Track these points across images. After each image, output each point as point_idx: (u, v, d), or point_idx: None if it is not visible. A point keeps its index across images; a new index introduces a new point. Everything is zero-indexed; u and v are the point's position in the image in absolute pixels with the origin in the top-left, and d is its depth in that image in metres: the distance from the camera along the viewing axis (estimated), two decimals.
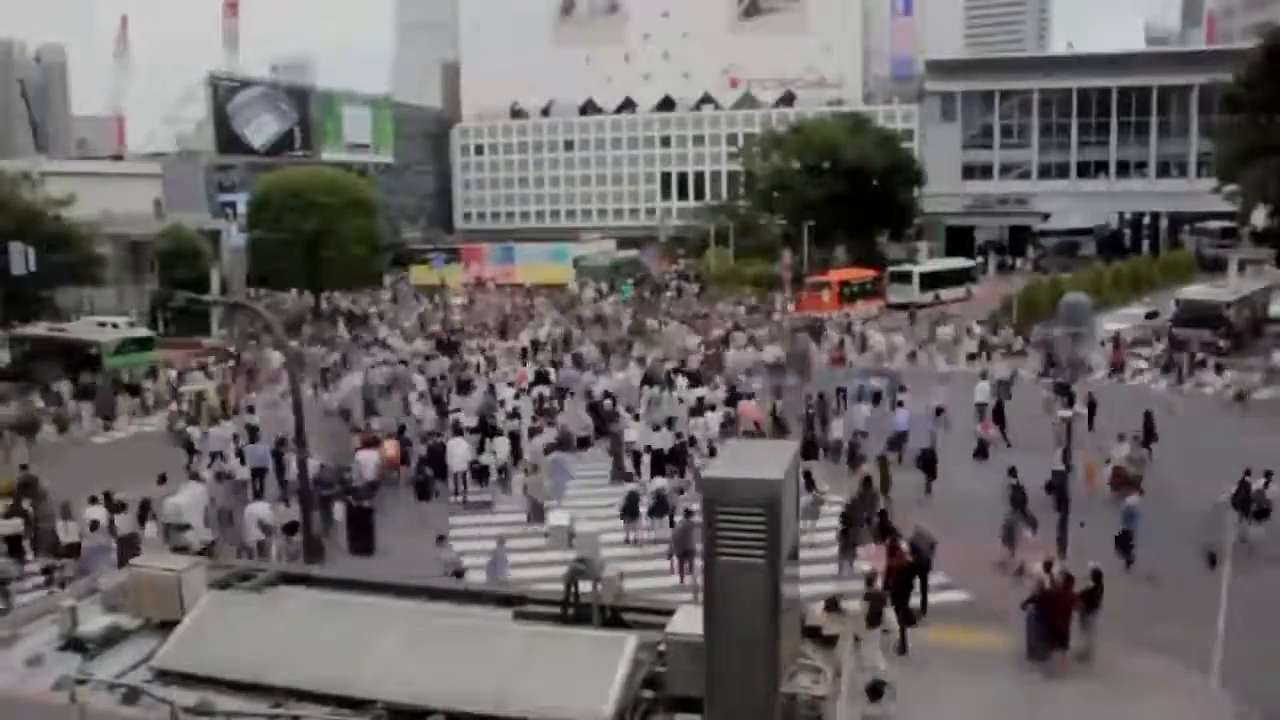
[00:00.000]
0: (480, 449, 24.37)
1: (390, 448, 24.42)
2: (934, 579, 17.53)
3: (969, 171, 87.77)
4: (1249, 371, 34.58)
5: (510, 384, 33.31)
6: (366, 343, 46.18)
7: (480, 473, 23.69)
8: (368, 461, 22.90)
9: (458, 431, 25.59)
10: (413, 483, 23.46)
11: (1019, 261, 78.54)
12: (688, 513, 18.50)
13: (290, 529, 17.75)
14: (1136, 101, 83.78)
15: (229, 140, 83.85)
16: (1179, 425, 26.54)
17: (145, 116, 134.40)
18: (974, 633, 15.18)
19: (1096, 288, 49.03)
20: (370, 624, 6.11)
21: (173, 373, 38.23)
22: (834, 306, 54.08)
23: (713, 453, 23.60)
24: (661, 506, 20.09)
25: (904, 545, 16.40)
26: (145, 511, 19.27)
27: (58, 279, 45.65)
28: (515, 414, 27.34)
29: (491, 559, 16.80)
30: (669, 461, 23.62)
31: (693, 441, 24.84)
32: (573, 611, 6.57)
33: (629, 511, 20.17)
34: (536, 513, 20.42)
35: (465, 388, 32.97)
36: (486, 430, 25.78)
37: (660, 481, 21.31)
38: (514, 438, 25.21)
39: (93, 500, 19.38)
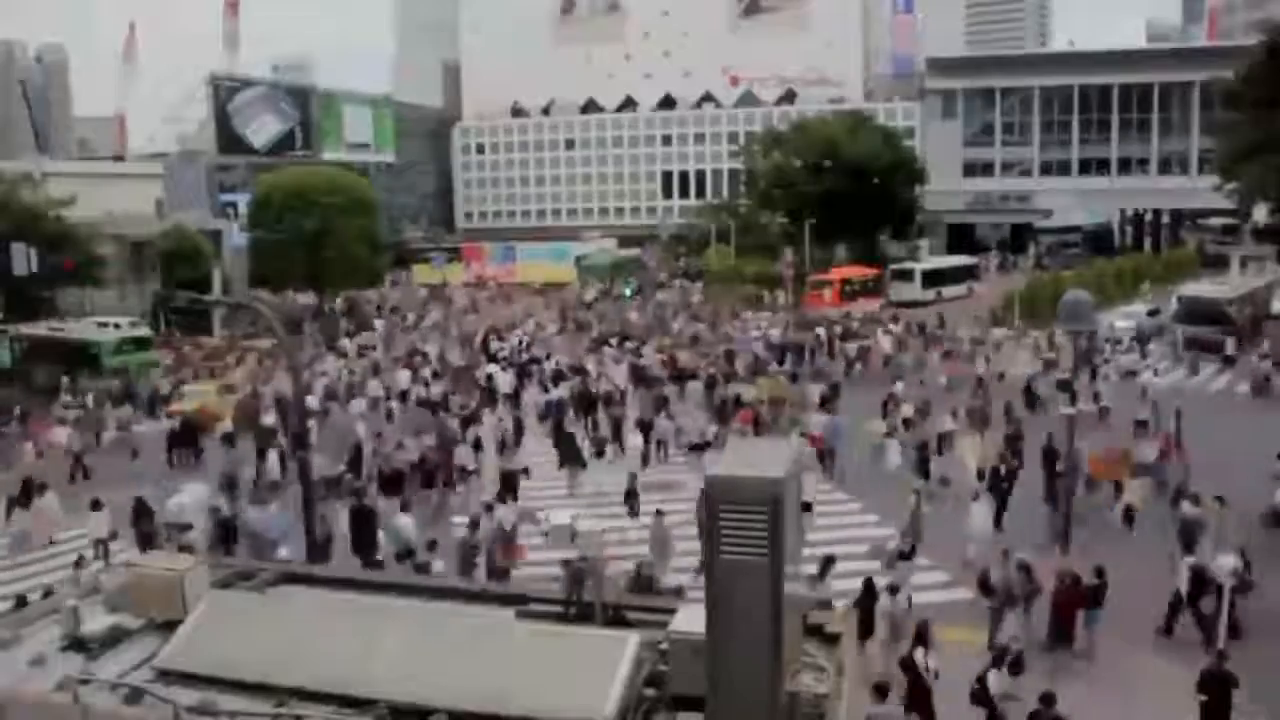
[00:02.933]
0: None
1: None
2: (937, 577, 17.61)
3: (970, 169, 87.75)
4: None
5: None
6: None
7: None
8: (402, 378, 34.23)
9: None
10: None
11: (1019, 259, 78.50)
12: None
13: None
14: (1138, 98, 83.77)
15: (230, 140, 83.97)
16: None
17: (146, 117, 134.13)
18: (977, 630, 15.17)
19: (1099, 285, 48.89)
20: (373, 623, 6.11)
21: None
22: (835, 305, 54.11)
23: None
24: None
25: None
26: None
27: (59, 279, 45.74)
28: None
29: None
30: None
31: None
32: (575, 610, 6.58)
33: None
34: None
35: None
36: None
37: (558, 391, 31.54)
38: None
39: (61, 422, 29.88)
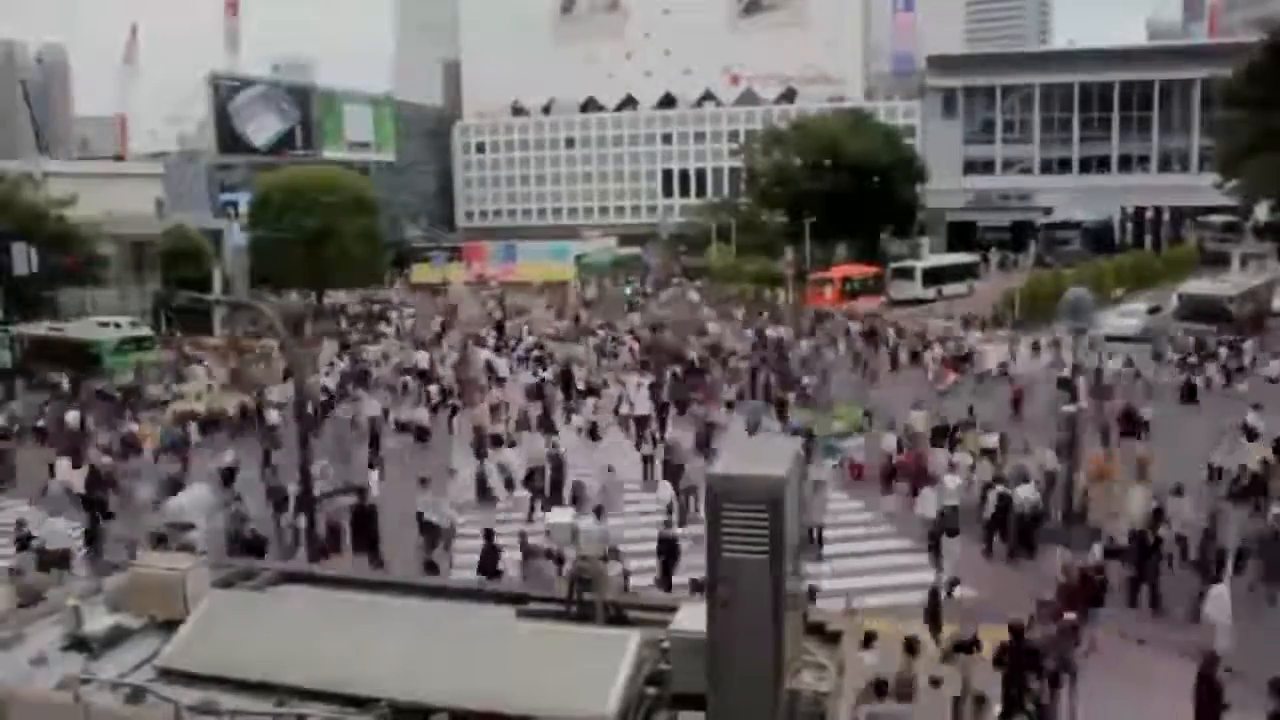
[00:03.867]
0: None
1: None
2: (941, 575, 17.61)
3: (971, 167, 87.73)
4: None
5: None
6: None
7: None
8: (421, 358, 38.40)
9: None
10: None
11: (1020, 257, 78.39)
12: None
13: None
14: (1138, 96, 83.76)
15: (230, 140, 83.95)
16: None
17: (147, 116, 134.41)
18: (982, 629, 15.14)
19: (1099, 283, 48.66)
20: (374, 622, 6.11)
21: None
22: (836, 303, 54.09)
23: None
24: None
25: None
26: None
27: (60, 279, 45.76)
28: None
29: None
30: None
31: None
32: (576, 609, 6.57)
33: None
34: None
35: None
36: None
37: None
38: None
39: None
